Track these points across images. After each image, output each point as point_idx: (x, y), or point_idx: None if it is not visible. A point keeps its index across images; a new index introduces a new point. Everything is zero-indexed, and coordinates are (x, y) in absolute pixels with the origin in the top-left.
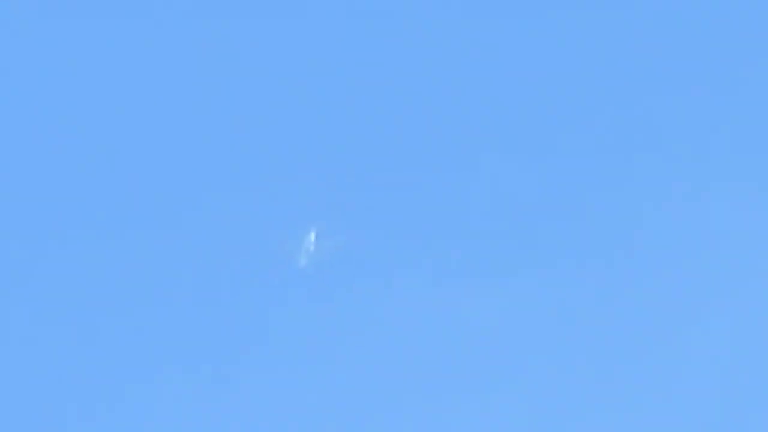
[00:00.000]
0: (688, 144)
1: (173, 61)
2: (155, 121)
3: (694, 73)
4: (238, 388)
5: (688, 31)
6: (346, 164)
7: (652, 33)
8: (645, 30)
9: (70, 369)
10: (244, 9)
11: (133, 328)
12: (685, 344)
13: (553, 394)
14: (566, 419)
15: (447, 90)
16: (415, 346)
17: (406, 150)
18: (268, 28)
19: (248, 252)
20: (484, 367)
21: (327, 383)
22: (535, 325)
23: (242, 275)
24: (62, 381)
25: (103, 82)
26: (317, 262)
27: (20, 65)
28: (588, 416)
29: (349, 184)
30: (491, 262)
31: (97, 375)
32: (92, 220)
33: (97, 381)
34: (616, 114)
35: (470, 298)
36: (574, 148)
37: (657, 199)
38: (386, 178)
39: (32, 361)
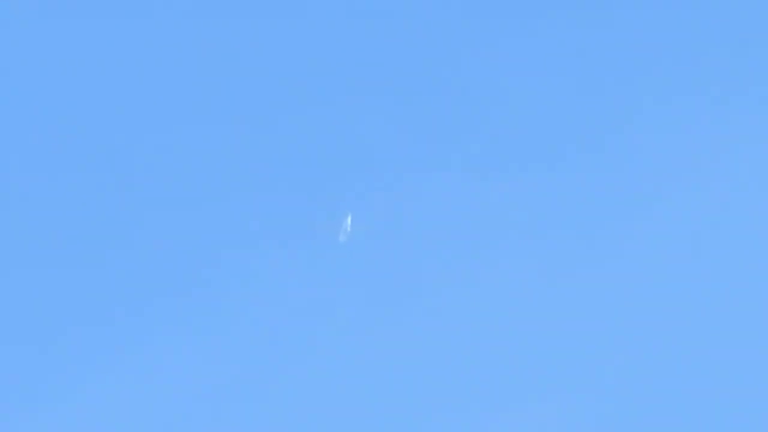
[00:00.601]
0: (668, 67)
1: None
2: (217, 117)
3: (682, 9)
4: (301, 325)
5: None
6: (375, 158)
7: None
8: None
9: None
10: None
11: (195, 299)
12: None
13: (559, 252)
14: (566, 270)
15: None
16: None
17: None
18: (299, 21)
19: (298, 232)
20: (504, 238)
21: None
22: (540, 207)
23: (293, 251)
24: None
25: (115, 81)
26: (353, 238)
27: (20, 65)
28: (582, 265)
29: (379, 179)
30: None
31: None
32: (155, 213)
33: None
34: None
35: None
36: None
37: (648, 113)
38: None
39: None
